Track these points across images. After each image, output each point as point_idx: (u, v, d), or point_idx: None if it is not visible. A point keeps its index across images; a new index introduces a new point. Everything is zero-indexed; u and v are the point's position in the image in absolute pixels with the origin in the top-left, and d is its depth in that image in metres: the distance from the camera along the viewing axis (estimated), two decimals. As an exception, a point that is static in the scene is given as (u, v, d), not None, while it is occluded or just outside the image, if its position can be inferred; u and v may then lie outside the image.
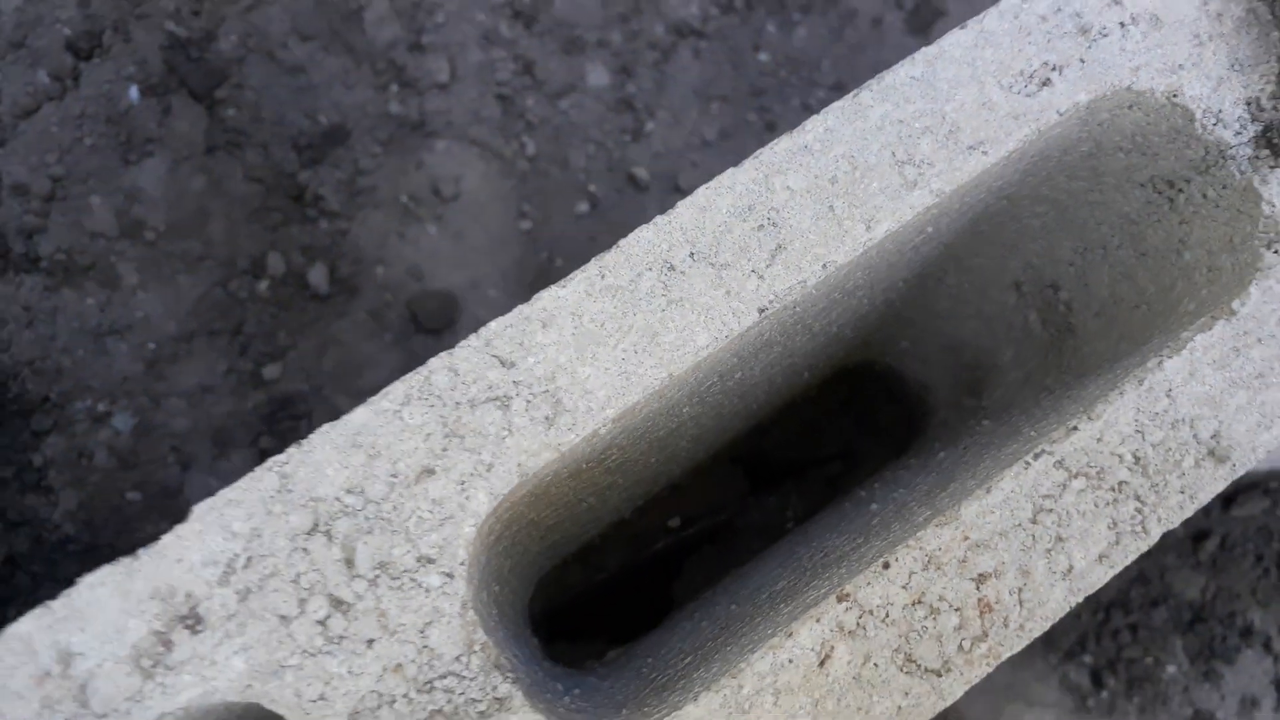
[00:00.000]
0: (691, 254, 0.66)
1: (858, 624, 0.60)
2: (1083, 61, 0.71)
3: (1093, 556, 0.62)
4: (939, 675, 0.59)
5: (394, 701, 0.58)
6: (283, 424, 1.78)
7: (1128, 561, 0.62)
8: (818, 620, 0.60)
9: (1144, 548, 0.63)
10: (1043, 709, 1.97)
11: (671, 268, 0.66)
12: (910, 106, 0.69)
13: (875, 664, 0.59)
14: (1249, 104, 0.73)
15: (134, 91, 1.79)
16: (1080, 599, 0.61)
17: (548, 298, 0.65)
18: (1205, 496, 0.64)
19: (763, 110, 2.12)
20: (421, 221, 1.93)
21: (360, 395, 1.86)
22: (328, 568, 0.59)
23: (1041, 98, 0.70)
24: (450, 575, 0.59)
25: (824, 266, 0.66)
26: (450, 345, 2.04)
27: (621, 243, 0.67)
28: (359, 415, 0.61)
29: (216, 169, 1.82)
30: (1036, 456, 0.63)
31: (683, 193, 2.06)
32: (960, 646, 0.60)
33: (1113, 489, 0.63)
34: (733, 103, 2.11)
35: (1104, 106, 0.73)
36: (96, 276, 1.76)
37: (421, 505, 0.60)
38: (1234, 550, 2.08)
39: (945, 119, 0.69)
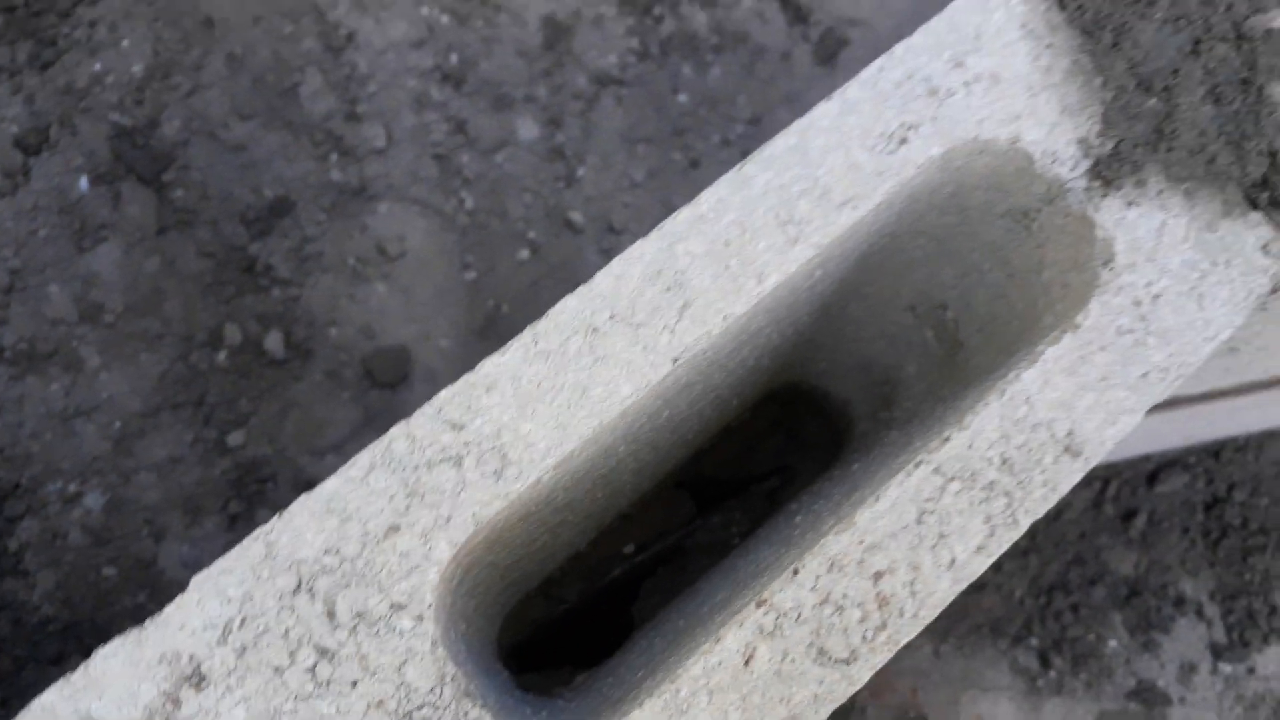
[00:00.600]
0: (611, 317, 0.76)
1: (775, 625, 0.70)
2: (934, 119, 0.83)
3: (972, 549, 0.72)
4: (848, 664, 0.69)
5: (380, 732, 0.67)
6: (250, 488, 1.85)
7: (1003, 550, 0.73)
8: (740, 625, 0.70)
9: (1015, 537, 0.73)
10: (996, 693, 2.08)
11: (595, 330, 0.76)
12: (788, 173, 0.79)
13: (792, 659, 0.69)
14: (1080, 143, 0.85)
15: (84, 181, 1.86)
16: (964, 586, 0.72)
17: (490, 365, 0.74)
18: (1065, 487, 0.75)
19: (686, 149, 2.23)
20: (370, 281, 2.01)
21: (323, 454, 1.94)
22: (312, 621, 0.68)
23: (901, 154, 0.82)
24: (420, 618, 0.68)
25: (725, 318, 0.77)
26: (406, 398, 2.12)
27: (550, 311, 0.76)
28: (330, 484, 0.70)
29: (169, 249, 1.90)
30: (917, 465, 0.74)
31: (616, 232, 2.17)
32: (864, 637, 0.70)
33: (985, 488, 0.74)
34: (657, 144, 2.22)
35: (957, 155, 0.84)
36: (59, 361, 1.83)
37: (391, 559, 0.69)
38: (1161, 525, 2.22)
39: (819, 181, 0.80)
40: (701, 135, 2.26)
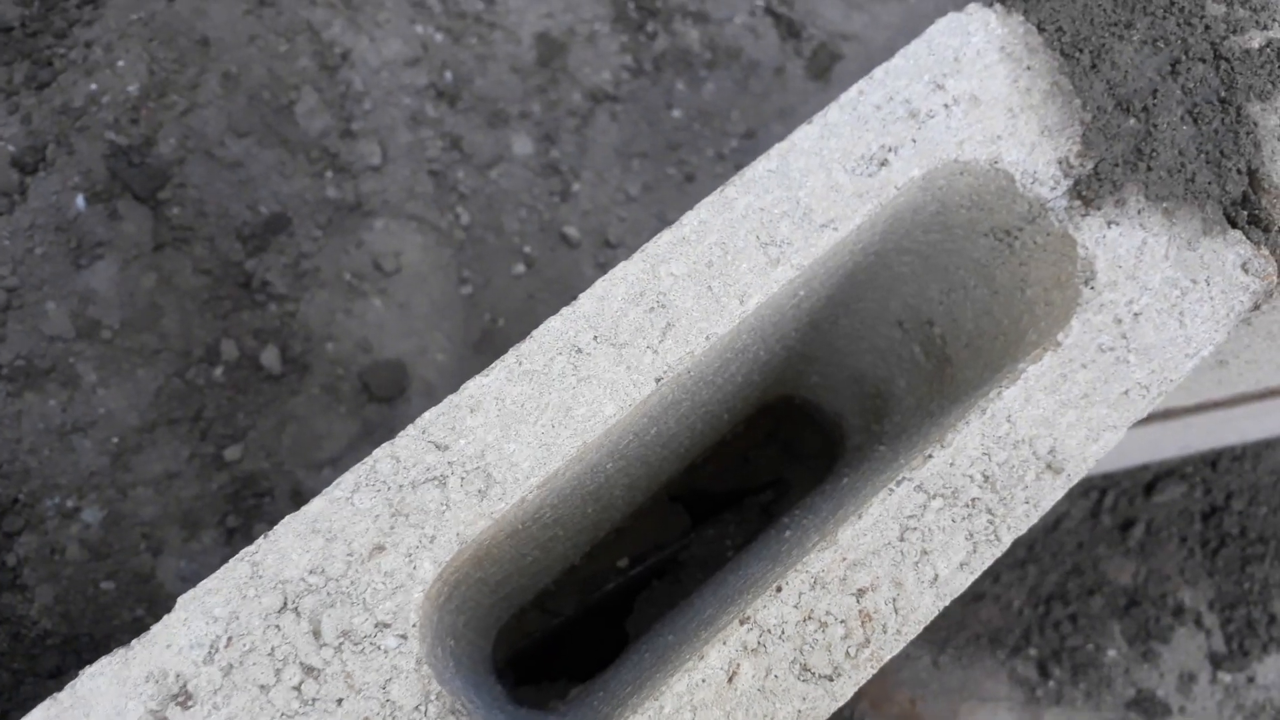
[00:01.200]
0: (595, 337, 0.77)
1: (759, 642, 0.70)
2: (914, 141, 0.84)
3: (955, 565, 0.73)
4: (831, 680, 0.69)
5: (366, 751, 0.68)
6: (247, 502, 1.86)
7: (986, 566, 0.73)
8: (724, 642, 0.70)
9: (998, 553, 0.74)
10: (995, 704, 2.08)
11: (579, 350, 0.77)
12: (769, 195, 0.80)
13: (776, 675, 0.69)
14: (1060, 163, 0.86)
15: (80, 200, 1.87)
16: (947, 602, 0.72)
17: (474, 386, 0.75)
18: (1047, 504, 0.76)
19: (681, 163, 2.24)
20: (366, 296, 2.02)
21: (320, 467, 1.95)
22: (298, 640, 0.69)
23: (881, 176, 0.82)
24: (404, 636, 0.68)
25: (708, 338, 0.78)
26: (403, 412, 2.13)
27: (534, 333, 0.77)
28: (315, 505, 0.71)
29: (165, 265, 1.91)
30: (899, 483, 0.74)
31: (612, 246, 2.18)
32: (847, 653, 0.70)
33: (967, 505, 0.74)
34: (652, 158, 2.23)
35: (939, 176, 0.85)
36: (57, 378, 1.84)
37: (375, 578, 0.70)
38: (1159, 534, 2.22)
39: (800, 203, 0.80)
40: (696, 150, 2.27)
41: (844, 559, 0.73)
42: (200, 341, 1.91)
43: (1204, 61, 0.89)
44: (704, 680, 0.69)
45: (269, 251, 1.97)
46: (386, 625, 0.68)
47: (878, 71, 0.86)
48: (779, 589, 0.72)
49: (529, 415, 0.74)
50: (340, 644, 0.68)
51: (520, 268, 2.11)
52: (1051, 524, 2.19)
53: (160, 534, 1.82)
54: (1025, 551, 2.16)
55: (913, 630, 0.71)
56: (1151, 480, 2.24)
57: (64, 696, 0.67)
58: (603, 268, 2.32)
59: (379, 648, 0.68)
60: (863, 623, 0.71)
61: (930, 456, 0.76)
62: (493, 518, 0.71)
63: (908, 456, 0.79)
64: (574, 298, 0.81)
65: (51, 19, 1.99)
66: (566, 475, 0.78)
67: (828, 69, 2.34)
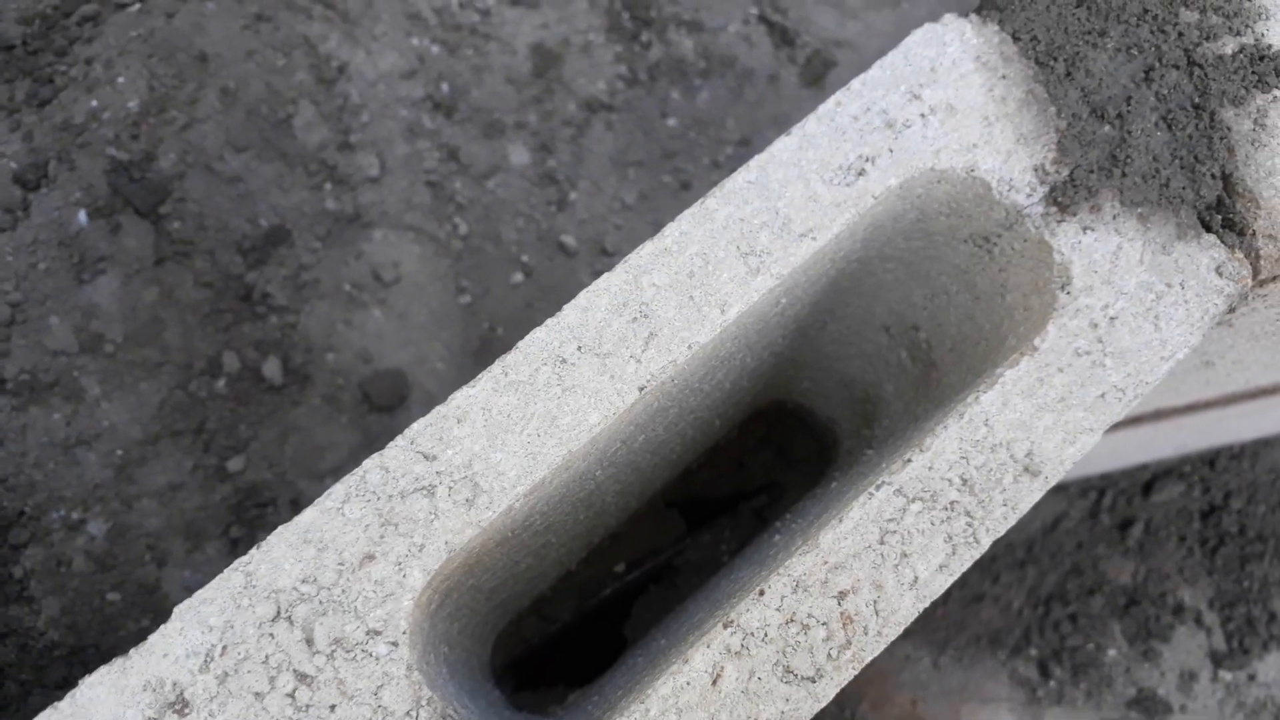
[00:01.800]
0: (579, 348, 0.79)
1: (742, 645, 0.72)
2: (891, 151, 0.85)
3: (934, 567, 0.74)
4: (813, 681, 0.71)
5: (359, 755, 0.69)
6: (250, 512, 1.88)
7: (965, 568, 0.75)
8: (708, 645, 0.72)
9: (977, 555, 0.75)
10: (996, 704, 2.09)
11: (563, 361, 0.78)
12: (749, 206, 0.82)
13: (759, 678, 0.71)
14: (1036, 170, 0.87)
15: (82, 215, 1.90)
16: (927, 603, 0.74)
17: (460, 397, 0.77)
18: (1025, 506, 0.77)
19: (676, 171, 2.26)
20: (366, 307, 2.04)
21: (322, 477, 1.97)
22: (291, 648, 0.70)
23: (859, 185, 0.84)
24: (395, 644, 0.70)
25: (690, 347, 0.79)
26: (404, 420, 2.15)
27: (519, 344, 0.79)
28: (307, 515, 0.73)
29: (167, 279, 1.93)
30: (879, 487, 0.76)
31: (609, 254, 2.19)
32: (829, 655, 0.72)
33: (945, 508, 0.76)
34: (648, 167, 2.25)
35: (916, 184, 0.86)
36: (61, 392, 1.86)
37: (366, 586, 0.71)
38: (1158, 534, 2.22)
39: (779, 214, 0.82)
40: (691, 158, 2.29)
41: (825, 562, 0.74)
42: (202, 354, 1.93)
43: (1178, 68, 0.91)
44: (689, 683, 0.71)
45: (269, 264, 1.99)
46: (377, 633, 0.70)
47: (855, 82, 0.88)
48: (761, 592, 0.73)
49: (515, 425, 0.76)
50: (333, 651, 0.70)
51: (518, 276, 2.13)
52: (1051, 524, 2.20)
53: (165, 545, 1.84)
54: (1024, 552, 2.17)
55: (893, 631, 0.72)
56: (1150, 480, 2.25)
57: (64, 705, 0.69)
58: (600, 274, 2.35)
59: (370, 655, 0.70)
60: (844, 625, 0.72)
61: (909, 461, 0.77)
62: (480, 526, 0.73)
63: (889, 460, 0.81)
64: (570, 307, 0.83)
65: (52, 37, 2.01)
66: (554, 483, 0.80)
67: (821, 76, 2.35)
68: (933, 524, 0.75)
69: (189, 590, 1.86)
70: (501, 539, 0.82)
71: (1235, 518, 2.26)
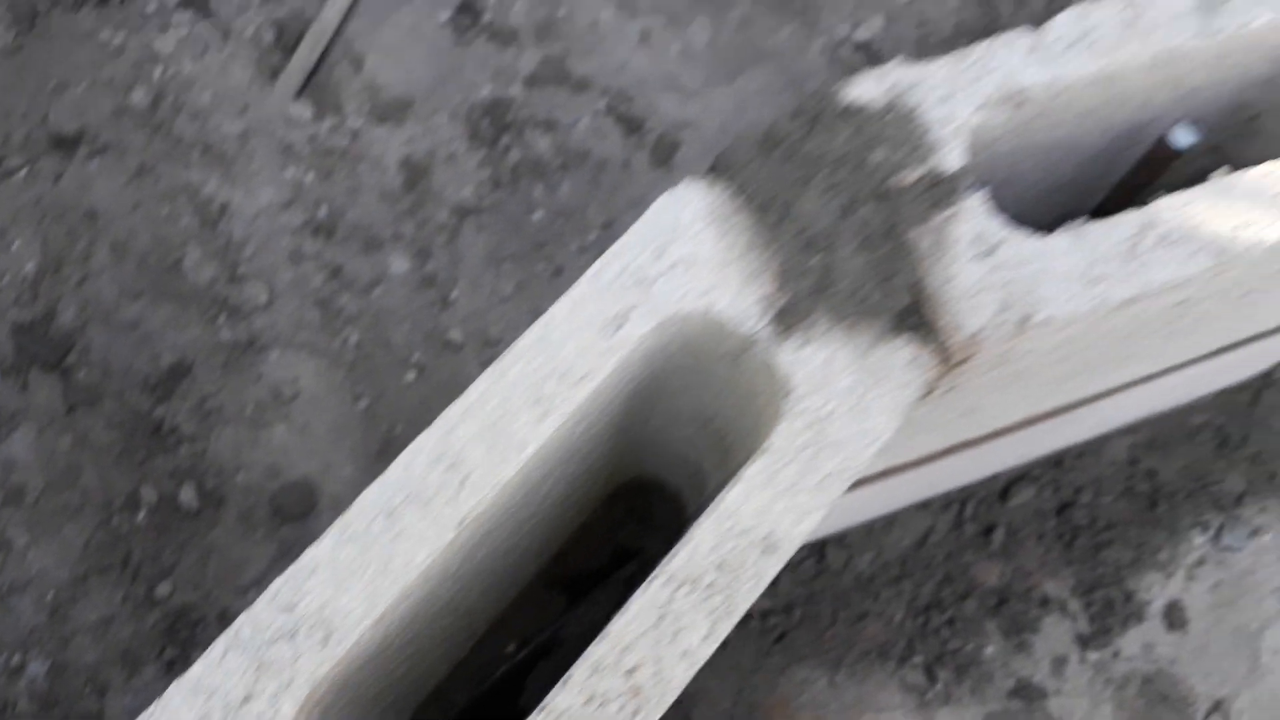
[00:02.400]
0: (405, 498, 0.98)
1: (554, 725, 0.91)
2: (646, 302, 1.06)
3: (701, 638, 0.94)
4: (613, 745, 0.90)
5: None
6: (182, 634, 2.03)
7: (725, 635, 0.95)
8: (528, 729, 0.91)
9: (735, 622, 0.95)
10: (890, 712, 2.30)
11: (392, 512, 0.97)
12: (535, 361, 1.02)
13: (570, 748, 0.90)
14: (761, 301, 1.09)
15: (-9, 379, 2.05)
16: (696, 669, 0.93)
17: (310, 554, 0.95)
18: (769, 577, 0.97)
19: (548, 259, 2.47)
20: (270, 425, 2.21)
21: (245, 590, 2.12)
22: (194, 776, 0.88)
23: (623, 332, 1.05)
24: (276, 760, 0.88)
25: (497, 483, 0.99)
26: (315, 527, 2.31)
27: (355, 502, 0.98)
28: (196, 669, 0.91)
29: (79, 425, 2.08)
30: (654, 579, 0.96)
31: (493, 344, 2.39)
32: (623, 722, 0.91)
33: (706, 589, 0.96)
34: (520, 259, 2.45)
35: (669, 326, 1.07)
36: (-11, 545, 1.99)
37: None
38: (1019, 534, 2.46)
39: (560, 364, 1.02)
40: (561, 245, 2.49)
41: (616, 646, 0.94)
42: (120, 491, 2.08)
43: (872, 200, 1.13)
44: (519, 760, 0.90)
45: (174, 398, 2.15)
46: (259, 757, 0.88)
47: (614, 247, 1.09)
48: (566, 680, 0.93)
49: (356, 572, 0.95)
50: (225, 775, 0.88)
51: (411, 376, 2.31)
52: (920, 539, 2.42)
53: (104, 676, 1.98)
54: (899, 568, 2.39)
55: (671, 695, 0.92)
56: (1005, 486, 2.49)
57: None
58: (488, 363, 2.54)
59: (255, 774, 0.88)
60: (633, 696, 0.92)
61: (677, 554, 0.98)
62: (336, 659, 0.91)
63: (668, 555, 1.01)
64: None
65: (-54, 213, 2.16)
66: (399, 610, 0.99)
67: (669, 157, 2.58)
68: (697, 603, 0.96)
69: (131, 715, 2.00)
70: (363, 661, 1.00)
71: (1086, 511, 2.51)
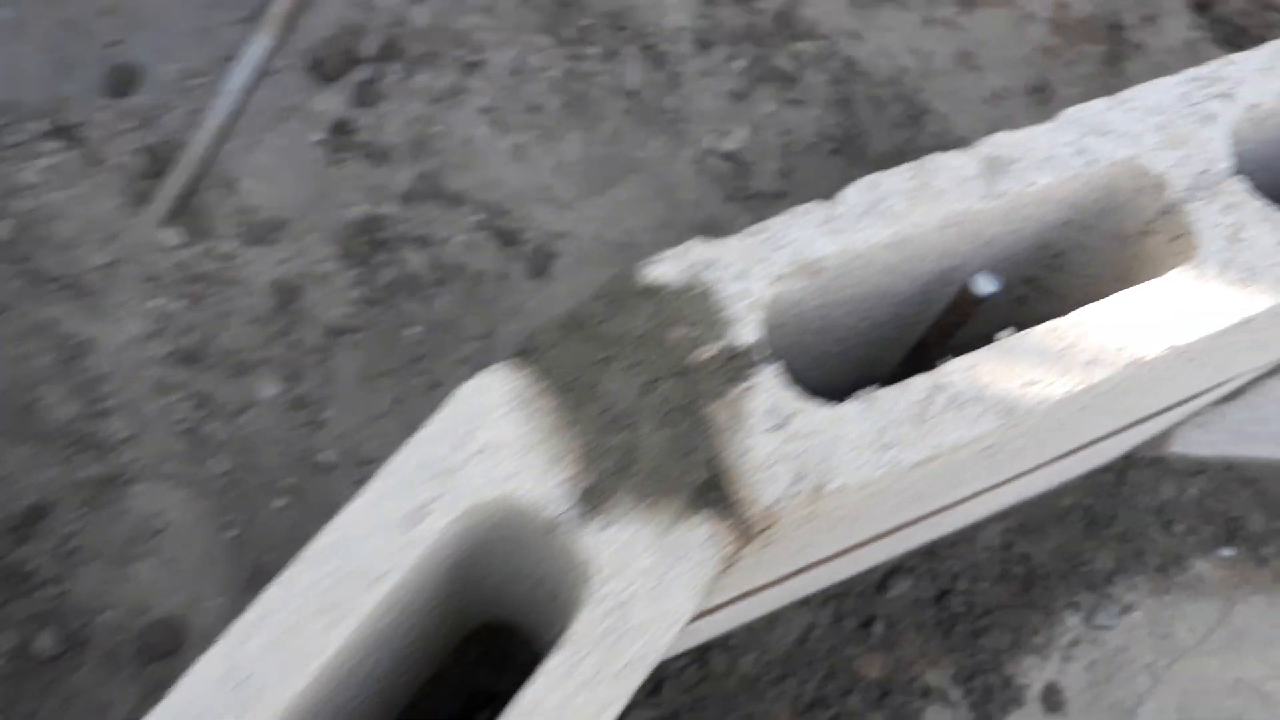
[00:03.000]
0: (192, 723, 0.98)
1: None
2: (448, 492, 1.08)
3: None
4: None
5: None
6: (41, 788, 1.96)
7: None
8: None
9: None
10: (782, 813, 2.30)
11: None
12: (329, 565, 1.03)
13: None
14: (565, 482, 1.11)
15: None
16: None
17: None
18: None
19: (425, 373, 2.47)
20: (136, 560, 2.17)
21: (109, 737, 2.06)
22: None
23: (424, 525, 1.06)
24: None
25: (292, 692, 0.99)
26: (182, 663, 2.26)
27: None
28: None
29: (-71, 575, 2.02)
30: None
31: (367, 463, 2.37)
32: None
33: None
34: (396, 374, 2.45)
35: (473, 515, 1.09)
36: None
37: None
38: (898, 625, 2.51)
39: (357, 565, 1.03)
40: (438, 358, 2.50)
41: None
42: (-26, 641, 2.01)
43: (672, 377, 1.17)
44: None
45: (32, 540, 2.10)
46: None
47: (417, 436, 1.11)
48: None
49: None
50: None
51: (281, 501, 2.28)
52: (802, 636, 2.45)
53: (-46, 839, 1.90)
54: (782, 667, 2.42)
55: None
56: (882, 578, 2.54)
57: None
58: (361, 483, 2.52)
59: None
60: None
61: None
62: None
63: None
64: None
65: None
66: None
67: (546, 266, 2.61)
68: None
69: None
70: None
71: (963, 597, 2.57)
